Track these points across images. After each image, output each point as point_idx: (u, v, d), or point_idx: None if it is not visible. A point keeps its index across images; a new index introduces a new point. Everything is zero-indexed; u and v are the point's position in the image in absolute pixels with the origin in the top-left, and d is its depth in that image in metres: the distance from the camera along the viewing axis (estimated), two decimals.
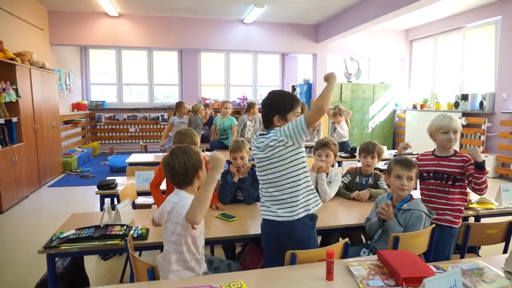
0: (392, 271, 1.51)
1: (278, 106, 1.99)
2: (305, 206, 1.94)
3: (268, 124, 2.02)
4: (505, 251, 2.37)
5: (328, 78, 1.90)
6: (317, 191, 2.86)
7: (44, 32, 7.31)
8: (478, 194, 2.33)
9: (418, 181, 2.36)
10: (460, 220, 2.32)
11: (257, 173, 2.03)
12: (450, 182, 2.28)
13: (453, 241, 2.29)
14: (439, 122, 2.33)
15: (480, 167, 2.16)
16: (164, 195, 2.71)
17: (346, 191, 2.94)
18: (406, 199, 2.18)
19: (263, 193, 2.02)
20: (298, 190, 1.92)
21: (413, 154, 5.32)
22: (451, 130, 2.28)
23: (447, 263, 1.69)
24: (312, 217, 1.99)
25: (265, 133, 2.00)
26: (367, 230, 2.28)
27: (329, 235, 2.83)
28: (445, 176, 2.29)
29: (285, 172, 1.91)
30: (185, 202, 1.73)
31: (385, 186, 2.90)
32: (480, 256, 2.43)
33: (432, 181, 2.34)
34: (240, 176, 2.76)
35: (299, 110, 2.00)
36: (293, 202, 1.92)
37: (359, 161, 3.19)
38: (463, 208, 2.34)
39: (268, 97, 2.06)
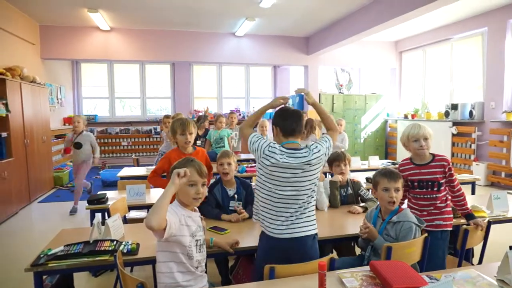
0: (385, 282, 1.50)
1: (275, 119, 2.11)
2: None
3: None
4: (484, 246, 2.40)
5: (308, 93, 2.11)
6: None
7: (36, 46, 7.30)
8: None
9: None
10: (451, 222, 2.35)
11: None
12: (435, 189, 2.31)
13: (445, 245, 2.31)
14: (408, 132, 2.40)
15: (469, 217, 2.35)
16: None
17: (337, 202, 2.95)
18: (394, 211, 2.18)
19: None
20: None
21: (395, 164, 5.36)
22: (421, 138, 2.33)
23: (440, 272, 1.69)
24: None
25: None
26: (359, 245, 2.28)
27: (323, 245, 2.81)
28: (429, 183, 2.32)
29: None
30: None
31: (371, 196, 2.91)
32: (473, 265, 2.43)
33: (418, 190, 2.37)
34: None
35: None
36: None
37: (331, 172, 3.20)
38: (450, 209, 2.37)
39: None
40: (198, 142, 5.86)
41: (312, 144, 2.01)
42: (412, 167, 2.39)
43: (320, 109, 2.22)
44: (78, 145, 5.11)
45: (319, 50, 8.40)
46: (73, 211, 5.18)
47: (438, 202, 2.32)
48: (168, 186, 1.64)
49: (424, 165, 2.35)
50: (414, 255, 2.05)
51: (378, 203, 2.29)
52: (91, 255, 1.96)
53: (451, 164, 2.35)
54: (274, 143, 2.00)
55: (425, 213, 2.33)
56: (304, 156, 1.93)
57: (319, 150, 1.98)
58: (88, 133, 5.32)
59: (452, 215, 2.38)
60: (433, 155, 2.36)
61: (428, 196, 2.33)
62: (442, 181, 2.31)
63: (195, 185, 1.80)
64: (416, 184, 2.36)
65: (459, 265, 2.27)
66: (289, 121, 2.01)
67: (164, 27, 8.02)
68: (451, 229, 2.34)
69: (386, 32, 7.81)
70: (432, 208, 2.32)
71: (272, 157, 1.92)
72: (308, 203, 1.98)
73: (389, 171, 2.22)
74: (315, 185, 2.00)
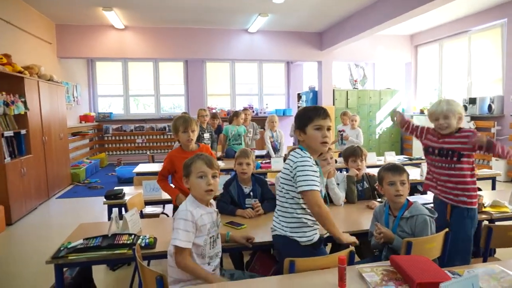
0: (406, 277, 1.47)
1: (295, 121, 2.05)
2: None
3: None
4: None
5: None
6: (329, 196, 2.86)
7: (52, 45, 7.42)
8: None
9: (424, 155, 2.44)
10: (476, 200, 2.27)
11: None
12: (455, 158, 2.25)
13: (473, 224, 2.24)
14: (431, 109, 2.37)
15: (488, 148, 2.15)
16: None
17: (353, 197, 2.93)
18: (404, 206, 2.14)
19: None
20: None
21: (422, 159, 5.27)
22: (441, 116, 2.29)
23: (463, 268, 1.65)
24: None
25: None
26: (372, 246, 2.24)
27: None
28: (450, 152, 2.27)
29: None
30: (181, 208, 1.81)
31: None
32: (500, 260, 2.36)
33: (438, 158, 2.33)
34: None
35: (320, 122, 1.91)
36: None
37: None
38: (475, 186, 2.30)
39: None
40: (207, 135, 5.72)
41: (292, 156, 1.96)
42: (435, 134, 2.39)
43: (334, 230, 1.91)
44: None
45: (333, 46, 8.31)
46: None
47: (458, 173, 2.25)
48: (205, 275, 1.73)
49: (447, 135, 2.31)
50: (434, 250, 2.00)
51: (386, 199, 2.26)
52: (110, 248, 1.98)
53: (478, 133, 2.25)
54: None
55: (446, 183, 2.29)
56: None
57: (287, 167, 1.95)
58: None
59: (476, 193, 2.28)
60: (460, 128, 2.31)
61: (447, 165, 2.28)
62: (464, 152, 2.23)
63: (205, 176, 1.82)
64: (436, 151, 2.34)
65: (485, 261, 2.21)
66: None
67: (177, 25, 8.05)
68: (476, 207, 2.26)
69: (400, 25, 7.66)
70: (453, 180, 2.27)
71: None
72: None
73: (393, 165, 2.21)
74: (281, 190, 1.99)
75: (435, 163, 2.36)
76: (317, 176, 1.87)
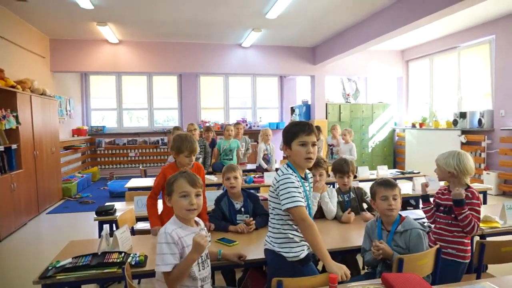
0: None
1: (282, 136, 2.06)
2: None
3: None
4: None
5: None
6: (322, 210, 2.87)
7: (46, 59, 7.42)
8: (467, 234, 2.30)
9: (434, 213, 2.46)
10: (468, 255, 2.29)
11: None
12: (452, 215, 2.31)
13: (458, 275, 2.28)
14: (468, 165, 2.35)
15: (456, 203, 2.24)
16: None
17: (339, 213, 2.92)
18: (397, 221, 2.16)
19: None
20: None
21: (415, 173, 5.31)
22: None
23: (453, 286, 1.65)
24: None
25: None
26: (365, 263, 2.24)
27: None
28: (451, 208, 2.32)
29: None
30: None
31: None
32: (494, 276, 2.36)
33: (442, 214, 2.39)
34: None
35: (304, 138, 1.92)
36: None
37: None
38: (469, 248, 2.31)
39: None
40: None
41: (276, 174, 1.99)
42: (445, 192, 2.43)
43: (321, 253, 1.83)
44: None
45: (326, 60, 8.42)
46: None
47: (454, 229, 2.31)
48: (188, 262, 1.67)
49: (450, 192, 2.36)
50: (426, 267, 2.00)
51: (378, 214, 2.27)
52: (99, 267, 1.95)
53: (475, 196, 2.29)
54: None
55: (444, 238, 2.34)
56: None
57: (272, 184, 1.98)
58: None
59: (468, 247, 2.31)
60: (468, 186, 2.36)
61: (450, 222, 2.33)
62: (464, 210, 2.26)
63: (188, 196, 1.77)
64: (441, 208, 2.40)
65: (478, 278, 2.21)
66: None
67: (171, 39, 8.12)
68: (466, 261, 2.29)
69: (392, 41, 7.81)
70: (453, 235, 2.31)
71: None
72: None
73: (386, 180, 2.24)
74: (269, 206, 2.01)
75: (440, 220, 2.41)
76: (299, 192, 1.87)
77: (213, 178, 4.74)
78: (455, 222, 2.30)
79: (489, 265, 2.79)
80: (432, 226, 2.61)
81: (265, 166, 5.63)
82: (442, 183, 2.71)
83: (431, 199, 2.54)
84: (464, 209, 2.22)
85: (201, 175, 2.74)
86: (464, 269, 2.31)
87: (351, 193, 3.07)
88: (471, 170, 2.35)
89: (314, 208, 2.73)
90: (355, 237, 2.48)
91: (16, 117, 5.04)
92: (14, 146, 5.06)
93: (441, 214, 2.39)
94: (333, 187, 3.49)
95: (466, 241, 2.31)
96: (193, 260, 1.68)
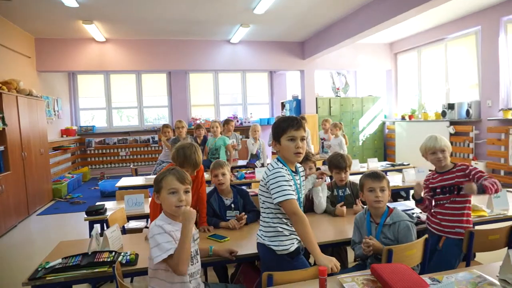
0: (386, 285, 1.48)
1: (272, 132, 2.08)
2: None
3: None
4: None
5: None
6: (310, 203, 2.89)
7: (31, 59, 7.30)
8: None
9: (432, 198, 2.44)
10: (471, 225, 2.34)
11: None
12: (455, 192, 2.32)
13: (461, 252, 2.29)
14: (426, 144, 2.42)
15: (483, 193, 2.15)
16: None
17: (331, 207, 2.92)
18: (385, 213, 2.17)
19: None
20: None
21: (405, 165, 5.36)
22: (438, 150, 2.36)
23: (442, 274, 1.67)
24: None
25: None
26: (355, 256, 2.26)
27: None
28: (451, 188, 2.34)
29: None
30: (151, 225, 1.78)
31: None
32: (481, 264, 2.40)
33: (441, 196, 2.39)
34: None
35: (293, 133, 1.92)
36: None
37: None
38: (471, 218, 2.36)
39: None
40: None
41: (266, 169, 2.00)
42: (435, 176, 2.44)
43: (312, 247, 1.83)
44: None
45: (315, 54, 8.43)
46: None
47: (458, 206, 2.31)
48: (184, 235, 1.67)
49: (445, 172, 2.39)
50: (415, 257, 2.03)
51: (366, 207, 2.29)
52: (89, 267, 1.94)
53: (472, 166, 2.34)
54: None
55: (448, 217, 2.33)
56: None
57: (263, 178, 1.99)
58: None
59: (471, 225, 2.35)
60: (455, 164, 2.39)
61: (451, 199, 2.34)
62: (462, 186, 2.28)
63: (177, 193, 1.78)
64: (438, 190, 2.40)
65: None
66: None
67: (159, 37, 8.04)
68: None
69: (380, 34, 7.84)
70: (454, 213, 2.32)
71: None
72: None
73: (373, 172, 2.26)
74: (262, 201, 2.01)
75: (440, 202, 2.42)
76: (290, 185, 1.89)
77: (206, 176, 4.73)
78: (458, 199, 2.31)
79: (477, 253, 2.84)
80: (421, 216, 2.64)
81: (254, 152, 5.77)
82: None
83: (424, 189, 2.53)
84: (487, 190, 2.12)
85: (200, 173, 2.73)
86: None
87: (347, 188, 3.08)
88: (423, 150, 2.43)
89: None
90: (347, 230, 2.50)
91: (2, 119, 4.97)
92: (1, 148, 4.99)
93: (441, 196, 2.39)
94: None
95: (470, 218, 2.34)
96: (190, 230, 1.68)
